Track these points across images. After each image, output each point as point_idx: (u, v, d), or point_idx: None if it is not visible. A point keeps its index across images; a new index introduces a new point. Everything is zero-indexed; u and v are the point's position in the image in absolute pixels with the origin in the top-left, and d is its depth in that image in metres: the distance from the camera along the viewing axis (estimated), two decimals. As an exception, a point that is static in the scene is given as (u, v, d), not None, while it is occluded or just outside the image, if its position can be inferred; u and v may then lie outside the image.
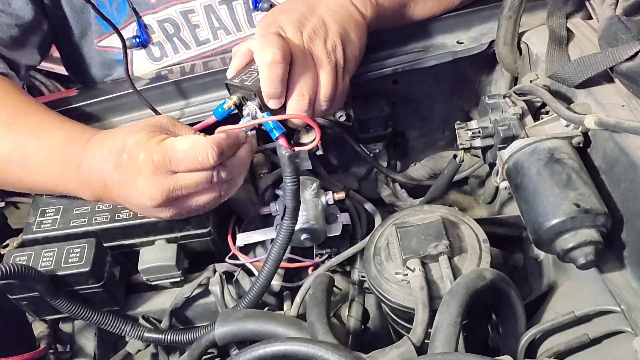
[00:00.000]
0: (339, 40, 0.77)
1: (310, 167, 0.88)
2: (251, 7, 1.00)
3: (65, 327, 0.86)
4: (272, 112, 0.71)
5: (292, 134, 0.88)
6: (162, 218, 0.75)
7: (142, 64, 1.04)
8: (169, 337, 0.77)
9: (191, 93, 0.88)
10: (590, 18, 0.79)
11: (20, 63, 0.98)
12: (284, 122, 0.72)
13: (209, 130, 0.75)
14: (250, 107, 0.72)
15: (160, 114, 0.85)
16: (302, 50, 0.74)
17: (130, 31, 1.01)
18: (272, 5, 0.99)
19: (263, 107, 0.71)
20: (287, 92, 0.73)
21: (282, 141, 0.70)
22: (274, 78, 0.70)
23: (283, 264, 0.76)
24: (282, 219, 0.71)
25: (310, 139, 0.85)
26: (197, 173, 0.70)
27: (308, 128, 0.86)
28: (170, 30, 1.01)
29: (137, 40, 1.01)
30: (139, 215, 0.77)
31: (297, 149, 0.71)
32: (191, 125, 0.76)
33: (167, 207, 0.72)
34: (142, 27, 1.00)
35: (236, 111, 0.74)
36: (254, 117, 0.72)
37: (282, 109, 0.73)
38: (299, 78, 0.73)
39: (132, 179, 0.70)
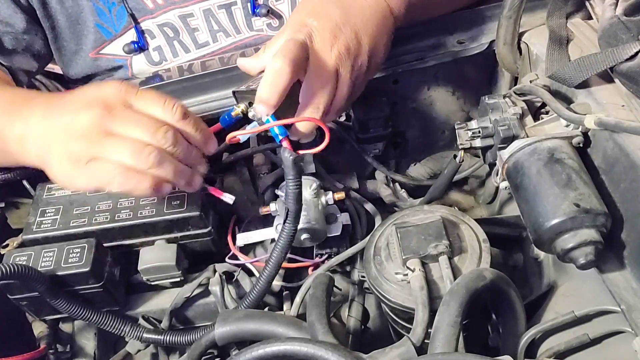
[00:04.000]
0: (367, 56, 0.76)
1: (314, 171, 0.88)
2: (250, 12, 1.00)
3: (65, 327, 0.86)
4: (278, 117, 0.71)
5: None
6: (69, 159, 0.66)
7: (142, 69, 1.05)
8: (168, 337, 0.77)
9: (191, 93, 0.88)
10: (590, 18, 0.79)
11: (15, 67, 0.98)
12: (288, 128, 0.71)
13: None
14: (256, 110, 0.71)
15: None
16: (327, 66, 0.72)
17: (130, 37, 1.01)
18: (269, 11, 1.00)
19: None
20: (303, 102, 0.72)
21: (286, 144, 0.69)
22: (273, 87, 0.67)
23: (283, 264, 0.75)
24: (284, 222, 0.71)
25: (309, 141, 0.85)
26: (150, 121, 0.65)
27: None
28: (169, 34, 1.01)
29: (136, 45, 1.01)
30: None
31: (301, 152, 0.71)
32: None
33: (92, 134, 0.64)
34: (140, 32, 1.00)
35: (241, 117, 0.74)
36: (259, 120, 0.72)
37: (290, 113, 0.72)
38: (318, 92, 0.71)
39: (74, 112, 0.65)
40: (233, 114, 0.73)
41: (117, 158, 0.64)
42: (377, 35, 0.77)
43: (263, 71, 0.75)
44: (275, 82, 0.67)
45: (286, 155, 0.68)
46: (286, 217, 0.70)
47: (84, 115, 0.65)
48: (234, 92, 0.74)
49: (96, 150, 0.64)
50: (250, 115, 0.72)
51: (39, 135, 0.68)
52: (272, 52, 0.73)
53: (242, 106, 0.72)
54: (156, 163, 0.64)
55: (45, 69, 1.30)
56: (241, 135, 0.72)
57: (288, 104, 0.71)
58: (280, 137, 0.70)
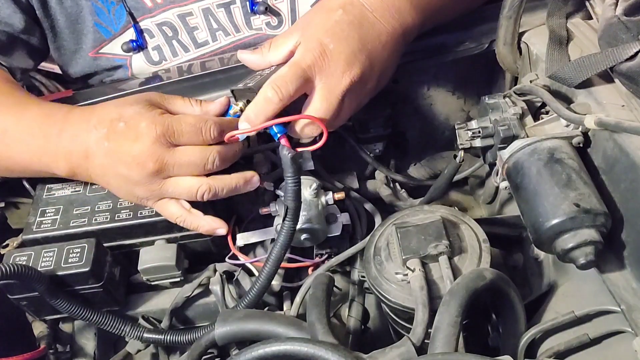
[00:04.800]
0: (376, 81, 0.77)
1: (313, 168, 0.88)
2: (249, 10, 1.00)
3: (65, 327, 0.86)
4: (278, 114, 0.71)
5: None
6: (136, 199, 0.75)
7: (141, 68, 1.05)
8: (168, 337, 0.77)
9: (191, 93, 0.88)
10: (590, 18, 0.79)
11: (12, 66, 0.98)
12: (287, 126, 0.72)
13: None
14: None
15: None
16: (335, 91, 0.73)
17: (129, 36, 1.01)
18: (267, 8, 0.99)
19: None
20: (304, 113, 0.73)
21: (284, 141, 0.70)
22: (261, 112, 0.70)
23: (283, 264, 0.76)
24: (283, 219, 0.71)
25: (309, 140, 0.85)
26: (193, 149, 0.71)
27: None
28: (168, 34, 1.01)
29: (135, 44, 1.01)
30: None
31: (299, 149, 0.71)
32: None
33: (151, 183, 0.71)
34: (139, 31, 1.00)
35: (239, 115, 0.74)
36: None
37: (289, 110, 0.72)
38: (322, 113, 0.72)
39: (128, 145, 0.70)
40: (231, 112, 0.73)
41: (177, 198, 0.74)
42: (389, 60, 0.77)
43: (263, 69, 0.75)
44: (264, 109, 0.70)
45: (284, 152, 0.69)
46: (285, 214, 0.70)
47: (137, 169, 0.70)
48: (232, 91, 0.74)
49: (158, 194, 0.73)
50: None
51: (98, 164, 0.74)
52: (277, 53, 0.75)
53: (240, 104, 0.73)
54: (209, 196, 0.73)
55: (45, 69, 1.31)
56: (239, 134, 0.72)
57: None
58: (279, 135, 0.70)
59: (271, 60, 0.76)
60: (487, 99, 0.75)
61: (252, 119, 0.70)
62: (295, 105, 0.72)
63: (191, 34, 1.02)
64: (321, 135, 0.72)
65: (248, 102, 0.72)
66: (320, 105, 0.72)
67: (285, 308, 0.81)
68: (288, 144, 0.69)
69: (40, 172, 0.79)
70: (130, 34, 1.01)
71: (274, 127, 0.70)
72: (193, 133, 0.70)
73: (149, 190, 0.72)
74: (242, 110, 0.72)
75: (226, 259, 0.82)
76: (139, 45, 1.01)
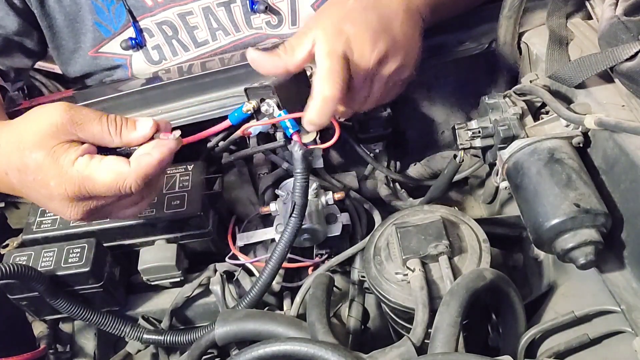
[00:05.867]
0: (403, 59, 0.74)
1: (322, 166, 0.88)
2: (249, 9, 1.00)
3: (65, 327, 0.86)
4: (289, 111, 0.71)
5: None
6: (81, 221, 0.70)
7: (141, 68, 1.05)
8: (168, 338, 0.77)
9: (191, 93, 0.88)
10: (590, 18, 0.79)
11: (6, 66, 0.99)
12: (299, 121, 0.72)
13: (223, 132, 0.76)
14: (269, 104, 0.72)
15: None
16: (366, 73, 0.71)
17: (129, 35, 1.01)
18: (267, 7, 0.99)
19: (281, 105, 0.71)
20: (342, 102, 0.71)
21: (296, 137, 0.70)
22: (326, 112, 0.67)
23: (283, 264, 0.75)
24: (289, 215, 0.71)
25: (310, 139, 0.85)
26: (111, 191, 0.63)
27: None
28: (168, 33, 1.01)
29: (134, 41, 1.01)
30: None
31: (311, 146, 0.72)
32: (201, 126, 0.75)
33: (87, 219, 0.67)
34: (139, 30, 1.00)
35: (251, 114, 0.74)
36: (271, 115, 0.72)
37: (300, 106, 0.72)
38: (354, 95, 0.71)
39: (46, 201, 0.65)
40: (244, 109, 0.73)
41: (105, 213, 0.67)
42: (411, 38, 0.75)
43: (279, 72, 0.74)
44: (325, 109, 0.67)
45: (296, 148, 0.69)
46: (292, 210, 0.70)
47: (61, 214, 0.65)
48: (245, 90, 0.74)
49: (81, 217, 0.66)
50: (263, 109, 0.72)
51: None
52: (296, 55, 0.70)
53: (253, 102, 0.73)
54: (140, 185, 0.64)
55: (45, 69, 1.31)
56: (254, 127, 0.72)
57: (298, 97, 0.71)
58: (292, 131, 0.70)
59: (289, 64, 0.71)
60: (487, 99, 0.75)
61: (317, 121, 0.68)
62: (300, 90, 0.72)
63: (191, 33, 1.02)
64: (333, 133, 0.72)
65: (262, 100, 0.72)
66: (355, 91, 0.71)
67: (285, 308, 0.81)
68: (300, 140, 0.70)
69: None
70: (130, 33, 1.01)
71: (287, 122, 0.70)
72: (111, 192, 0.62)
73: (89, 219, 0.68)
74: (254, 109, 0.72)
75: (226, 259, 0.82)
76: (137, 43, 1.01)
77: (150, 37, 1.02)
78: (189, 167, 0.82)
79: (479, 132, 0.73)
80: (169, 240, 0.79)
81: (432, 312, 0.61)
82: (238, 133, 0.74)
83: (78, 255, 0.74)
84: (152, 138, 0.65)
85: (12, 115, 0.83)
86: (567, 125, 0.70)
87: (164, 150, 0.64)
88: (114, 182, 0.62)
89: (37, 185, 0.63)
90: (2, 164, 0.65)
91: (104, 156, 0.64)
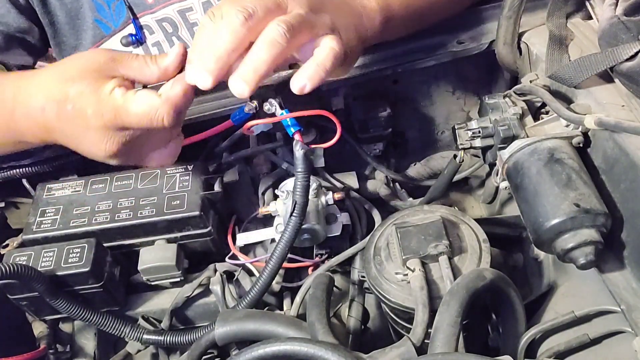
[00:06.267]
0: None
1: (323, 165, 0.88)
2: None
3: (65, 327, 0.86)
4: (291, 110, 0.71)
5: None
6: (114, 163, 0.72)
7: None
8: (168, 338, 0.77)
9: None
10: (590, 18, 0.79)
11: (8, 63, 0.99)
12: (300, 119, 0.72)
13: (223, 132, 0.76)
14: (271, 103, 0.72)
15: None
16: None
17: (129, 32, 1.02)
18: None
19: (282, 105, 0.72)
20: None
21: (298, 137, 0.70)
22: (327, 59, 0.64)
23: (283, 264, 0.75)
24: (290, 214, 0.71)
25: (310, 139, 0.85)
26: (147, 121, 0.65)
27: (308, 129, 0.87)
28: (169, 30, 1.02)
29: (134, 37, 1.01)
30: (138, 215, 0.77)
31: (313, 145, 0.72)
32: (201, 126, 0.75)
33: (120, 156, 0.69)
34: (138, 27, 1.00)
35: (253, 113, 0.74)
36: (273, 114, 0.72)
37: (301, 106, 0.72)
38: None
39: (81, 132, 0.67)
40: (246, 109, 0.73)
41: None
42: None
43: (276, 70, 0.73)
44: (332, 56, 0.64)
45: (298, 147, 0.69)
46: (293, 209, 0.70)
47: (95, 150, 0.68)
48: None
49: (116, 150, 0.68)
50: (265, 109, 0.72)
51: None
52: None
53: (255, 102, 0.73)
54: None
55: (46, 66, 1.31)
56: (256, 126, 0.73)
57: (300, 97, 0.71)
58: (293, 130, 0.70)
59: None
60: (487, 99, 0.75)
61: (316, 77, 0.63)
62: None
63: (191, 30, 1.02)
64: (334, 132, 0.72)
65: (264, 100, 0.72)
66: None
67: (285, 308, 0.81)
68: (302, 139, 0.70)
69: (16, 142, 0.76)
70: (130, 30, 1.01)
71: (288, 120, 0.71)
72: (143, 123, 0.65)
73: (122, 158, 0.70)
74: (256, 109, 0.73)
75: (226, 259, 0.82)
76: (137, 39, 1.01)
77: (150, 34, 1.02)
78: (189, 167, 0.82)
79: (479, 132, 0.74)
80: (169, 240, 0.79)
81: (432, 312, 0.61)
82: (239, 132, 0.74)
83: (78, 255, 0.74)
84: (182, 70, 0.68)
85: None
86: (567, 125, 0.70)
87: (184, 82, 0.65)
88: (146, 112, 0.64)
89: (74, 114, 0.66)
90: (40, 99, 0.68)
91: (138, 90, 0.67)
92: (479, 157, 0.80)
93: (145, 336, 0.77)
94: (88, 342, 0.85)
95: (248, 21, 0.61)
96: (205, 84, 0.62)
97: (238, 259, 0.82)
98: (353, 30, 0.73)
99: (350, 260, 0.81)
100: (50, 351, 0.82)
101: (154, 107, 0.64)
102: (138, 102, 0.64)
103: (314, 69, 0.63)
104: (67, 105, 0.66)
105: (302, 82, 0.63)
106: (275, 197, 0.85)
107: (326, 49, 0.64)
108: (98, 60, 0.67)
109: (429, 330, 0.60)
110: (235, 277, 0.81)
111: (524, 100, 0.75)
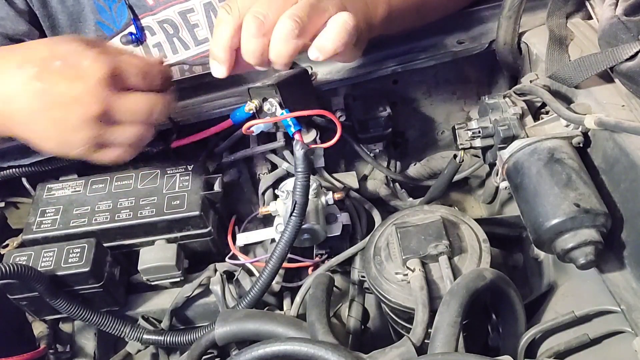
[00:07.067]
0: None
1: (323, 165, 0.88)
2: None
3: (65, 327, 0.85)
4: (291, 110, 0.71)
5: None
6: (68, 148, 0.66)
7: None
8: (168, 338, 0.77)
9: (191, 93, 0.88)
10: (590, 18, 0.79)
11: None
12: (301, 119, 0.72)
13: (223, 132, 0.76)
14: (272, 103, 0.72)
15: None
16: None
17: (130, 31, 1.02)
18: None
19: (283, 104, 0.72)
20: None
21: (298, 137, 0.70)
22: (337, 36, 0.66)
23: (283, 264, 0.75)
24: (290, 214, 0.71)
25: (310, 139, 0.85)
26: (142, 96, 0.66)
27: (308, 129, 0.87)
28: (170, 31, 1.02)
29: (134, 36, 1.01)
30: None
31: (313, 145, 0.72)
32: (201, 126, 0.75)
33: (91, 128, 0.64)
34: (139, 28, 1.00)
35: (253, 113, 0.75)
36: (273, 114, 0.72)
37: (301, 106, 0.73)
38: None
39: (66, 85, 0.62)
40: (246, 109, 0.73)
41: (122, 142, 0.68)
42: None
43: (277, 70, 0.73)
44: (343, 32, 0.66)
45: (298, 147, 0.69)
46: (293, 209, 0.70)
47: (77, 112, 0.63)
48: (248, 89, 0.75)
49: (99, 141, 0.66)
50: (265, 108, 0.73)
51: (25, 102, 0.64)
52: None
53: (255, 102, 0.73)
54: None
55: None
56: (256, 125, 0.73)
57: (301, 97, 0.71)
58: (293, 130, 0.70)
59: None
60: (487, 99, 0.75)
61: (329, 47, 0.66)
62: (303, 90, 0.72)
63: (192, 31, 1.02)
64: (334, 132, 0.72)
65: (264, 100, 0.72)
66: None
67: (285, 308, 0.81)
68: (302, 139, 0.70)
69: None
70: (131, 30, 1.01)
71: (289, 120, 0.71)
72: (140, 77, 0.64)
73: (87, 137, 0.64)
74: (256, 109, 0.73)
75: (226, 259, 0.82)
76: (137, 38, 1.01)
77: (151, 35, 1.02)
78: (189, 167, 0.82)
79: (479, 132, 0.74)
80: (169, 240, 0.79)
81: (432, 312, 0.61)
82: (239, 132, 0.74)
83: (78, 255, 0.74)
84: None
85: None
86: (567, 125, 0.70)
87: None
88: (144, 64, 0.67)
89: (63, 68, 0.62)
90: (19, 58, 0.64)
91: None
92: (479, 157, 0.80)
93: (145, 336, 0.77)
94: (88, 342, 0.85)
95: (261, 29, 0.65)
96: (219, 73, 0.69)
97: (238, 259, 0.82)
98: (362, 14, 0.75)
99: (350, 260, 0.81)
100: (50, 351, 0.82)
101: (150, 62, 0.69)
102: (135, 56, 0.68)
103: (329, 38, 0.66)
104: (55, 61, 0.62)
105: (315, 53, 0.66)
106: (275, 197, 0.85)
107: (339, 22, 0.66)
108: (85, 37, 0.71)
109: (429, 330, 0.60)
110: (235, 277, 0.81)
111: (524, 100, 0.75)
